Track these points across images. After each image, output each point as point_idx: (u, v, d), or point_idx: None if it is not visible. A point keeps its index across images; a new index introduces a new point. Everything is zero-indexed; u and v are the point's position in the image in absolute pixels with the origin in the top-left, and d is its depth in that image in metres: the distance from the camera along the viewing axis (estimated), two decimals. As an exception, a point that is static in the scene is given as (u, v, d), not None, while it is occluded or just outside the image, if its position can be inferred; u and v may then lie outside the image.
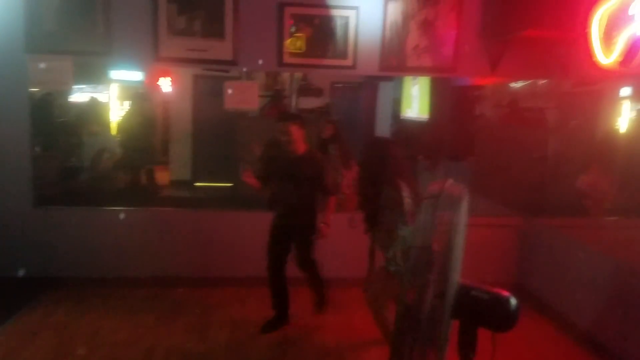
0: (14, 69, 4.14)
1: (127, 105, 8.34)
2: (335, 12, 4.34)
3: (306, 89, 8.05)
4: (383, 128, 8.41)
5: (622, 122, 6.04)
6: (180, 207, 5.65)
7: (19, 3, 4.06)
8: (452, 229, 1.82)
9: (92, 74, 7.64)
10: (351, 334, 3.85)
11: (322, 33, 4.38)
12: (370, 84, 8.50)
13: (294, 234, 3.79)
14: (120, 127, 7.42)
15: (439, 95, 6.84)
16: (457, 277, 1.86)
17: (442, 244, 1.85)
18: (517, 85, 6.33)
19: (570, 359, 3.66)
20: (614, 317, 3.52)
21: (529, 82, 6.01)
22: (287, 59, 4.38)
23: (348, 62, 4.43)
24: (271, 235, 3.82)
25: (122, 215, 4.42)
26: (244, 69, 5.29)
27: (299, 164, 3.68)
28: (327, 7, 4.33)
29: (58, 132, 6.38)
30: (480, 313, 1.89)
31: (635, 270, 3.40)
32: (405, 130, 7.90)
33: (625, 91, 5.87)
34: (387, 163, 3.08)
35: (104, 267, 4.50)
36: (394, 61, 4.44)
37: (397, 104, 8.25)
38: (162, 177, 7.83)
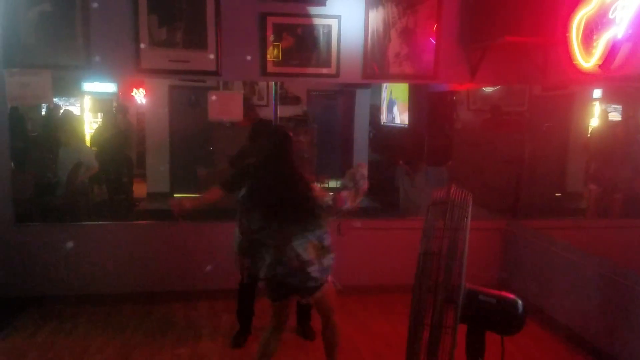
0: (-9, 84, 4.04)
1: (101, 117, 8.20)
2: (318, 21, 4.37)
3: (284, 97, 8.05)
4: (361, 135, 8.47)
5: (594, 123, 6.23)
6: (160, 219, 5.55)
7: (-4, 17, 3.97)
8: (458, 234, 1.85)
9: (64, 87, 7.48)
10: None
11: (304, 42, 4.39)
12: (348, 91, 8.55)
13: None
14: (95, 140, 7.28)
15: (418, 101, 6.92)
16: (464, 282, 1.88)
17: (448, 249, 1.87)
18: (490, 90, 6.46)
19: (558, 358, 3.72)
20: (599, 314, 3.60)
21: (500, 87, 6.15)
22: (270, 68, 4.39)
23: (331, 70, 4.46)
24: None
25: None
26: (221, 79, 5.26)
27: None
28: (309, 16, 4.35)
29: (31, 147, 6.21)
30: (488, 317, 1.92)
31: (619, 268, 3.49)
32: (385, 137, 7.96)
33: (597, 93, 6.07)
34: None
35: (87, 285, 4.41)
36: (377, 69, 4.49)
37: (375, 110, 8.31)
38: (140, 189, 7.70)
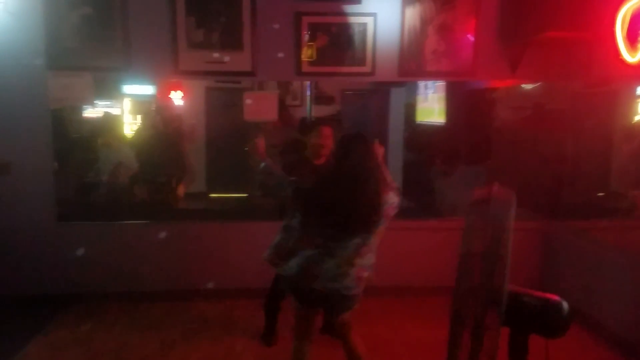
0: (35, 86, 4.16)
1: (140, 119, 8.38)
2: (353, 20, 4.33)
3: (318, 97, 8.03)
4: (396, 134, 8.38)
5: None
6: (197, 218, 5.60)
7: (40, 20, 4.09)
8: (501, 235, 1.79)
9: (105, 89, 7.66)
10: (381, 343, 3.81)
11: (340, 41, 4.36)
12: (382, 90, 8.47)
13: None
14: (135, 141, 7.43)
15: (455, 99, 6.80)
16: (507, 283, 1.82)
17: (491, 250, 1.81)
18: (530, 87, 6.30)
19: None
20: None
21: (541, 83, 5.97)
22: (305, 67, 4.38)
23: (366, 68, 4.42)
24: None
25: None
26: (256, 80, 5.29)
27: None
28: (344, 14, 4.33)
29: (74, 148, 6.38)
30: (532, 320, 1.86)
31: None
32: (420, 136, 7.86)
33: (641, 90, 5.82)
34: None
35: (126, 282, 4.50)
36: (413, 66, 4.42)
37: (410, 109, 8.21)
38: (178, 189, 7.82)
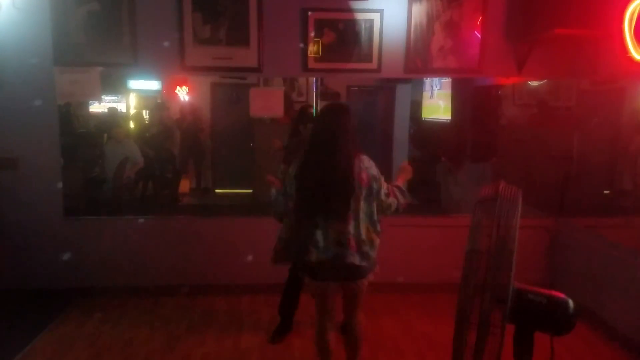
0: (42, 81, 4.18)
1: (146, 114, 8.43)
2: (359, 16, 4.33)
3: (323, 93, 8.04)
4: (402, 130, 8.39)
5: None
6: (203, 214, 5.64)
7: (47, 16, 4.10)
8: (508, 232, 1.79)
9: (111, 85, 7.72)
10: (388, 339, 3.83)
11: (346, 37, 4.36)
12: (388, 86, 8.48)
13: None
14: (141, 136, 7.48)
15: (461, 96, 6.79)
16: (513, 281, 1.83)
17: (497, 247, 1.82)
18: (536, 84, 6.27)
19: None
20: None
21: (548, 81, 5.95)
22: (311, 64, 4.38)
23: (372, 65, 4.41)
24: None
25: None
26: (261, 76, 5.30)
27: None
28: (350, 11, 4.32)
29: (80, 143, 6.43)
30: (537, 317, 1.86)
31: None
32: (426, 132, 7.87)
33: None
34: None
35: (133, 277, 4.52)
36: (419, 63, 4.42)
37: (416, 105, 8.22)
38: (183, 184, 7.88)
